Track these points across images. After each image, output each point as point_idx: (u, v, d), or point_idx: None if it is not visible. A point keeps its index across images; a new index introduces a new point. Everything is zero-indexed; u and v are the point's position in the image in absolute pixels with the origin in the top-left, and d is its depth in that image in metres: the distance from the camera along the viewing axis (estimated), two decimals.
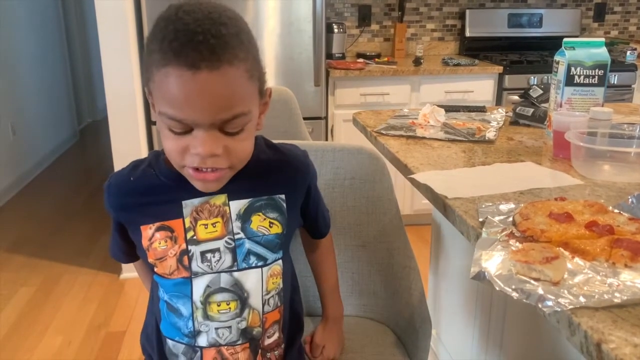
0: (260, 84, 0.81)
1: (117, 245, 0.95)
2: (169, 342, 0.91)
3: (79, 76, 5.44)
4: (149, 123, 2.63)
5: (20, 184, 3.88)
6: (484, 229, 0.81)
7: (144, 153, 2.57)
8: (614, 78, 2.95)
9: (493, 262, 0.71)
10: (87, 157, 4.84)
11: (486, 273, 0.69)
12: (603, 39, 1.31)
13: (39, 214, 3.46)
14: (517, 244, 0.76)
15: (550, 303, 0.62)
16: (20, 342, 2.15)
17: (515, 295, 0.65)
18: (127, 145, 2.50)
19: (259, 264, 0.87)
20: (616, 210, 0.86)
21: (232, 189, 0.84)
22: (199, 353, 0.88)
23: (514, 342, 1.33)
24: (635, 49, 3.16)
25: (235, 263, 0.86)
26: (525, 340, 1.27)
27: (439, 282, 1.81)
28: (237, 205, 0.86)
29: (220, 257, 0.85)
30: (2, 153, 3.61)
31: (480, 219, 0.86)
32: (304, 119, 1.96)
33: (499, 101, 3.00)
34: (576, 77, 1.29)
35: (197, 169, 0.77)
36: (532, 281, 0.66)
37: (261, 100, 0.83)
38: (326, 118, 2.87)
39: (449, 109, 1.64)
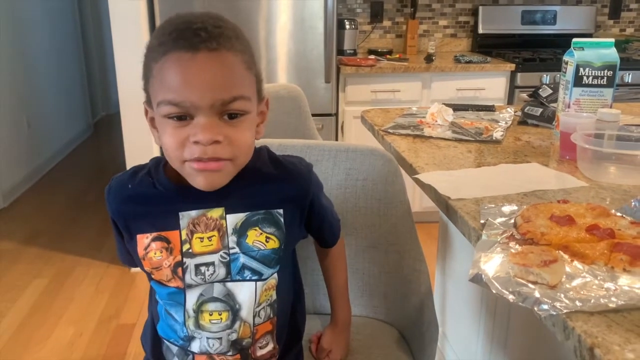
0: (258, 83, 0.82)
1: (124, 249, 0.92)
2: (165, 342, 0.92)
3: (94, 69, 5.50)
4: None
5: (35, 177, 3.94)
6: (484, 231, 0.82)
7: (155, 147, 2.59)
8: (627, 76, 2.92)
9: (492, 264, 0.72)
10: (100, 150, 4.89)
11: (484, 275, 0.69)
12: (613, 40, 1.30)
13: (53, 206, 3.51)
14: (517, 246, 0.76)
15: (546, 307, 0.63)
16: (33, 332, 2.20)
17: (511, 298, 0.65)
18: (140, 139, 2.53)
19: (254, 277, 0.86)
20: (619, 214, 0.86)
21: (230, 202, 0.84)
22: (190, 357, 0.89)
23: (518, 342, 1.33)
24: None
25: (229, 276, 0.85)
26: (529, 340, 1.28)
27: (446, 281, 1.81)
28: (234, 219, 0.84)
29: (215, 271, 0.84)
30: (17, 146, 3.66)
31: (482, 221, 0.86)
32: (314, 115, 1.97)
33: (510, 99, 2.98)
34: (585, 77, 1.28)
35: (198, 160, 0.75)
36: (529, 284, 0.67)
37: (259, 103, 0.83)
38: (336, 115, 2.88)
39: (458, 107, 1.64)
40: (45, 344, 2.12)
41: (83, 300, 2.43)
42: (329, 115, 2.84)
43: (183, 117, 0.75)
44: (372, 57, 3.07)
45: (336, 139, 2.91)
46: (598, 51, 1.28)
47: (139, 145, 2.52)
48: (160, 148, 0.81)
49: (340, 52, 3.04)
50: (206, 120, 0.74)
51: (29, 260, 2.79)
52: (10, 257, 2.81)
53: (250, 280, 0.86)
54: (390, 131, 1.42)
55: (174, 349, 0.91)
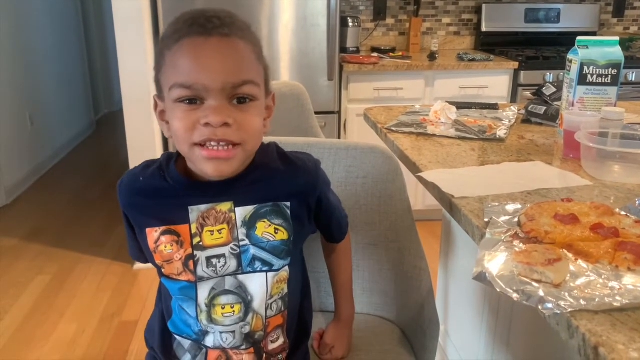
0: (266, 75, 0.84)
1: (134, 245, 0.93)
2: (177, 338, 0.92)
3: (96, 67, 5.50)
4: None
5: (37, 173, 3.94)
6: (488, 230, 0.81)
7: (158, 145, 2.59)
8: (632, 75, 2.91)
9: (496, 263, 0.72)
10: (103, 147, 4.89)
11: (487, 274, 0.69)
12: (617, 38, 1.29)
13: (56, 204, 3.51)
14: (521, 245, 0.76)
15: (550, 305, 0.62)
16: (36, 329, 2.20)
17: (515, 296, 0.65)
18: (142, 137, 2.52)
19: (264, 268, 0.87)
20: (623, 213, 0.85)
21: (238, 195, 0.85)
22: (204, 351, 0.90)
23: (521, 340, 1.33)
24: None
25: (240, 268, 0.86)
26: (532, 339, 1.28)
27: (449, 279, 1.81)
28: (243, 212, 0.85)
29: (226, 263, 0.86)
30: (20, 143, 3.67)
31: (486, 219, 0.86)
32: (317, 113, 1.97)
33: (514, 97, 2.97)
34: (589, 76, 1.28)
35: (208, 148, 0.76)
36: (533, 283, 0.66)
37: (267, 96, 0.85)
38: (339, 112, 2.87)
39: (461, 105, 1.63)
40: (48, 340, 2.13)
41: (85, 297, 2.44)
42: (332, 113, 2.83)
43: (194, 100, 0.76)
44: (375, 54, 3.06)
45: (339, 137, 2.91)
46: (602, 49, 1.28)
47: (142, 142, 2.51)
48: (164, 144, 0.82)
49: (343, 49, 3.03)
50: (217, 103, 0.75)
51: (32, 257, 2.79)
52: (13, 254, 2.81)
53: (261, 271, 0.87)
54: (394, 129, 1.42)
55: (187, 344, 0.91)
